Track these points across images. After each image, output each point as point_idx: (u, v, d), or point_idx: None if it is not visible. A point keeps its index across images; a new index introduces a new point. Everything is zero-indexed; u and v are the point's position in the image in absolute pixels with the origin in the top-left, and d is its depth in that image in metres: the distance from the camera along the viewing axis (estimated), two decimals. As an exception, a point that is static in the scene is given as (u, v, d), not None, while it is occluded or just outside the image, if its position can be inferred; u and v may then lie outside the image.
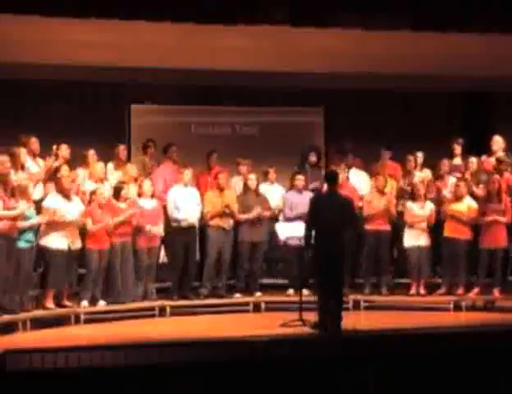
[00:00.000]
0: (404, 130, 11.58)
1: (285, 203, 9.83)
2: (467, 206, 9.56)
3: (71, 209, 8.74)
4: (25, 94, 10.62)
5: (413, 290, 9.68)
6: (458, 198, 9.61)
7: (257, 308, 9.44)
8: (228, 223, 9.62)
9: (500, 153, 10.09)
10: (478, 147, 10.52)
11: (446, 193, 9.92)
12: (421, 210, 9.69)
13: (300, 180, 9.85)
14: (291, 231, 8.81)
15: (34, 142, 9.22)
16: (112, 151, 9.94)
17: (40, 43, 8.60)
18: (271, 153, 10.90)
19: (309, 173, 10.27)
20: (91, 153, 9.56)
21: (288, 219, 9.64)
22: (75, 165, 9.44)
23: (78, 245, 8.80)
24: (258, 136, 11.65)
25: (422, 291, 9.64)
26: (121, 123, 11.16)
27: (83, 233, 8.88)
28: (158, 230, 9.35)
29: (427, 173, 10.26)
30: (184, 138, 10.95)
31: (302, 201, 9.40)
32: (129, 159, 10.37)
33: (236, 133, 11.67)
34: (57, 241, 8.62)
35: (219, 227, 9.59)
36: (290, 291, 9.66)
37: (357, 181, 10.23)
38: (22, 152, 8.91)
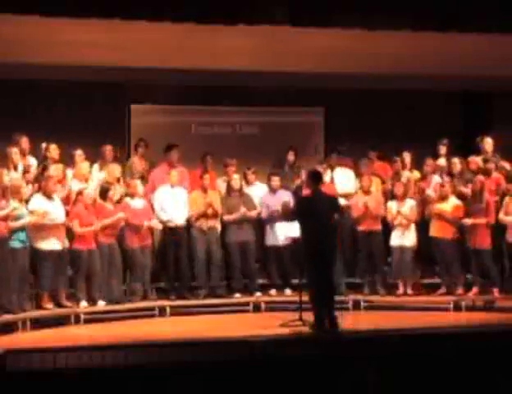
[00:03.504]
0: (404, 130, 11.57)
1: (261, 205, 9.87)
2: (452, 205, 9.58)
3: (56, 210, 8.73)
4: (25, 94, 10.62)
5: (400, 290, 9.69)
6: (443, 197, 9.62)
7: (257, 308, 9.45)
8: (207, 224, 9.62)
9: (488, 153, 10.12)
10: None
11: (430, 192, 9.93)
12: (399, 208, 9.71)
13: (275, 180, 9.89)
14: (291, 231, 8.80)
15: (25, 141, 9.23)
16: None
17: (40, 43, 8.59)
18: (271, 153, 10.90)
19: (288, 173, 10.29)
20: (78, 153, 9.56)
21: (264, 219, 9.75)
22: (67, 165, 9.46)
23: (65, 245, 8.80)
24: (258, 136, 11.64)
25: (409, 291, 9.64)
26: (121, 123, 11.16)
27: (69, 234, 8.88)
28: (156, 223, 9.36)
29: (415, 174, 10.29)
30: (184, 138, 10.95)
31: (276, 201, 9.58)
32: (128, 159, 10.38)
33: (236, 133, 11.67)
34: (46, 243, 8.61)
35: (201, 229, 9.61)
36: (273, 291, 9.71)
37: (343, 181, 10.21)
38: (14, 151, 8.92)
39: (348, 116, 11.57)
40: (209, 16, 7.87)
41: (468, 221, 9.41)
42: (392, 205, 9.81)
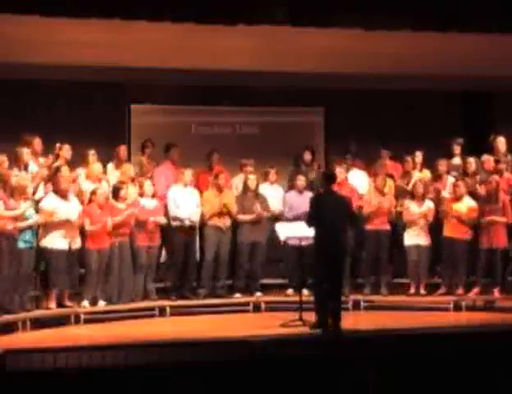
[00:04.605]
0: (404, 130, 11.58)
1: (285, 204, 9.83)
2: (466, 206, 9.57)
3: (69, 209, 8.73)
4: (25, 94, 10.62)
5: (412, 290, 9.69)
6: (457, 198, 9.62)
7: (257, 308, 9.44)
8: (225, 223, 9.62)
9: (501, 153, 10.12)
10: (478, 147, 10.51)
11: (445, 193, 9.93)
12: (419, 209, 9.70)
13: (302, 180, 9.85)
14: (291, 231, 8.80)
15: (38, 143, 9.24)
16: (111, 151, 9.99)
17: (40, 43, 8.60)
18: (271, 153, 10.90)
19: (305, 172, 10.28)
20: (91, 153, 9.57)
21: (287, 219, 9.61)
22: (74, 165, 9.45)
23: (78, 244, 8.80)
24: (259, 136, 11.64)
25: (422, 291, 9.65)
26: (121, 123, 11.16)
27: (83, 233, 8.89)
28: (162, 219, 9.35)
29: (426, 174, 10.27)
30: (184, 138, 10.96)
31: (302, 201, 9.37)
32: (129, 159, 10.38)
33: (236, 133, 11.67)
34: (56, 242, 8.61)
35: (217, 227, 9.60)
36: (290, 291, 9.67)
37: (357, 182, 10.22)
38: (25, 152, 8.93)
39: (348, 116, 11.57)
40: (209, 16, 7.88)
41: (488, 218, 9.36)
42: (410, 205, 9.75)
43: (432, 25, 8.34)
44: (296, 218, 9.34)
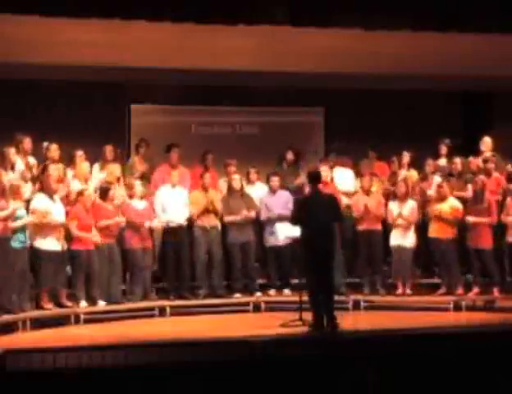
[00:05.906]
0: (404, 130, 11.58)
1: (261, 205, 9.85)
2: (449, 206, 9.56)
3: (57, 210, 8.71)
4: (25, 94, 10.62)
5: (399, 290, 9.70)
6: (441, 198, 9.61)
7: (257, 308, 9.44)
8: (209, 223, 9.62)
9: (488, 154, 10.12)
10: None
11: (431, 192, 9.93)
12: (400, 209, 9.70)
13: (274, 181, 9.87)
14: (291, 231, 8.80)
15: (28, 142, 9.22)
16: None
17: (40, 43, 8.61)
18: (271, 153, 10.89)
19: (287, 172, 10.28)
20: (79, 153, 9.54)
21: (264, 221, 9.74)
22: (72, 165, 9.46)
23: (64, 246, 8.77)
24: (258, 136, 11.65)
25: (407, 291, 9.64)
26: (121, 123, 11.16)
27: (68, 235, 8.87)
28: (157, 224, 9.39)
29: (413, 174, 10.28)
30: (184, 138, 10.95)
31: (276, 201, 9.62)
32: (128, 159, 10.38)
33: (236, 133, 11.68)
34: (46, 243, 8.59)
35: (204, 227, 9.60)
36: (272, 292, 9.71)
37: (342, 181, 10.21)
38: (12, 152, 8.90)
39: (348, 116, 11.57)
40: (209, 16, 7.89)
41: (470, 219, 9.39)
42: (393, 206, 9.79)
43: (432, 25, 8.36)
44: (272, 220, 9.47)
